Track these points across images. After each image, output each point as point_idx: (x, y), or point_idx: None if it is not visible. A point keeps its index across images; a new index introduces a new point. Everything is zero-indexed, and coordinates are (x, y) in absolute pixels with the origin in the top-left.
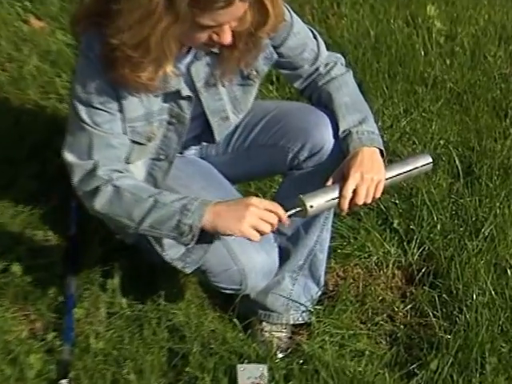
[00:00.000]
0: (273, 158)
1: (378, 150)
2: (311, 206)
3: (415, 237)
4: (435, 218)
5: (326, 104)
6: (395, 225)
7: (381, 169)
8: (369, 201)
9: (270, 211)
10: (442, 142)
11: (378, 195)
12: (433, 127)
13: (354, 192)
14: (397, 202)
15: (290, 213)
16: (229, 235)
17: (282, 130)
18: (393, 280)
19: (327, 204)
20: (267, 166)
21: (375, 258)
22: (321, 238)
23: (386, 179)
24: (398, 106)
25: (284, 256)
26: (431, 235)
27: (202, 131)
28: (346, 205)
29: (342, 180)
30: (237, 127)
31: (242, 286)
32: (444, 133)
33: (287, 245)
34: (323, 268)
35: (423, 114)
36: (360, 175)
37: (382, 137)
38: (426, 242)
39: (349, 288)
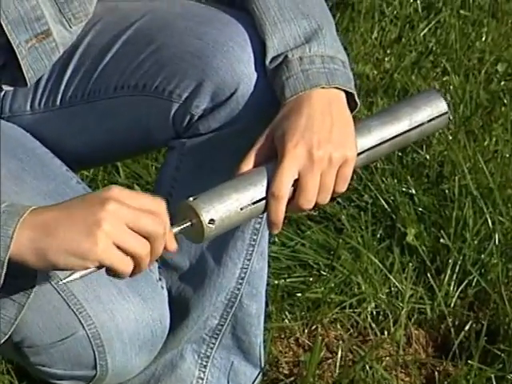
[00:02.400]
0: (143, 115)
1: (343, 95)
2: (211, 221)
3: (451, 261)
4: (490, 223)
5: (241, 2)
6: (410, 238)
7: (348, 135)
8: (325, 200)
9: (150, 212)
10: (501, 67)
11: (344, 188)
12: (483, 37)
13: (296, 185)
14: (412, 191)
15: (174, 230)
16: (70, 270)
17: (158, 56)
18: (409, 349)
19: (243, 214)
20: (134, 132)
21: (372, 305)
22: (250, 271)
23: (360, 154)
24: None
25: (180, 310)
26: (483, 257)
27: None
28: (279, 213)
29: (273, 162)
30: (71, 55)
31: (97, 369)
32: (508, 47)
33: (184, 288)
34: (261, 331)
35: (461, 11)
36: (306, 151)
37: (353, 68)
38: (472, 272)
39: (321, 368)
